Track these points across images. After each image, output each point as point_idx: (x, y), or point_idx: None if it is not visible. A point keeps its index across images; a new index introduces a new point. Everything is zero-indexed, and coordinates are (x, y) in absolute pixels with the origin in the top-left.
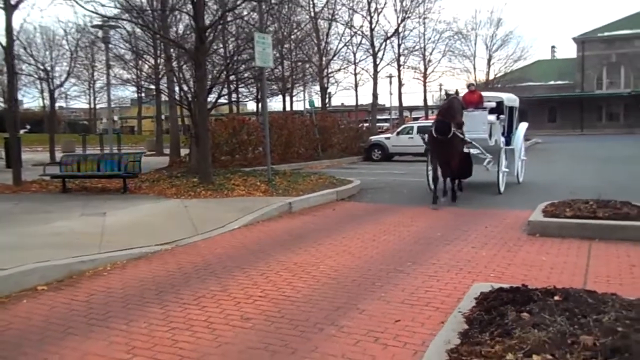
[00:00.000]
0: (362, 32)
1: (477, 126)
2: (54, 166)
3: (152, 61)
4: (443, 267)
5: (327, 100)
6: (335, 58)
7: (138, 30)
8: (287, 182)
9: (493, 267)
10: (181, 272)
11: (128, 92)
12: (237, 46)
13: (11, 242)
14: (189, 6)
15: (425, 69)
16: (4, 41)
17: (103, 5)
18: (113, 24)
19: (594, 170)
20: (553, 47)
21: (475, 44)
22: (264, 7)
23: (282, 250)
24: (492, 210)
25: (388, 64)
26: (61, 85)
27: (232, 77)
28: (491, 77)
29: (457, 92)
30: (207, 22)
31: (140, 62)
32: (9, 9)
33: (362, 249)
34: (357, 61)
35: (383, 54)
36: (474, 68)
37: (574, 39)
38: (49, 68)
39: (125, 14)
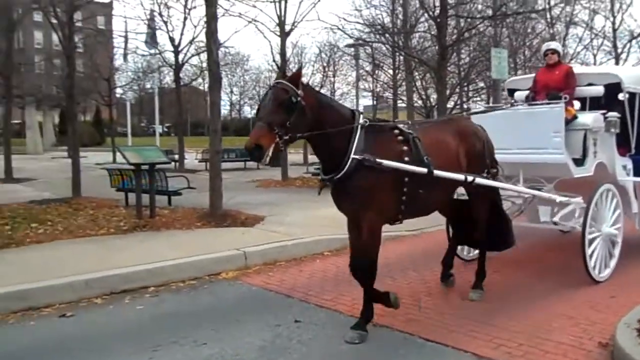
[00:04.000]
0: (603, 33)
1: (538, 136)
2: (310, 166)
3: (391, 72)
4: None
5: None
6: (572, 61)
7: (378, 45)
8: None
9: None
10: (428, 250)
11: (364, 100)
12: (473, 58)
13: (299, 221)
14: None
15: None
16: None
17: (359, 30)
18: (362, 42)
19: None
20: None
21: None
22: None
23: None
24: None
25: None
26: None
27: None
28: None
29: (288, 75)
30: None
31: (377, 72)
32: (283, 36)
33: None
34: (597, 64)
35: (627, 56)
36: None
37: None
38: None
39: (374, 36)
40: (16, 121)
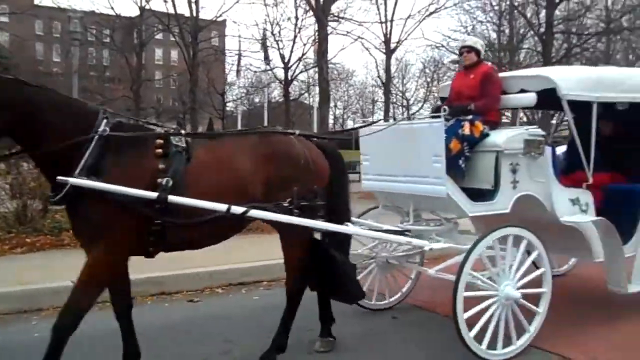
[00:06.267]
0: None
1: (420, 160)
2: None
3: None
4: None
5: None
6: None
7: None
8: None
9: None
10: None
11: None
12: None
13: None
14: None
15: None
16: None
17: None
18: None
19: None
20: None
21: None
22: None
23: None
24: None
25: None
26: (418, 110)
27: None
28: None
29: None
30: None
31: None
32: (388, 53)
33: None
34: None
35: None
36: None
37: None
38: (408, 96)
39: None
40: None
